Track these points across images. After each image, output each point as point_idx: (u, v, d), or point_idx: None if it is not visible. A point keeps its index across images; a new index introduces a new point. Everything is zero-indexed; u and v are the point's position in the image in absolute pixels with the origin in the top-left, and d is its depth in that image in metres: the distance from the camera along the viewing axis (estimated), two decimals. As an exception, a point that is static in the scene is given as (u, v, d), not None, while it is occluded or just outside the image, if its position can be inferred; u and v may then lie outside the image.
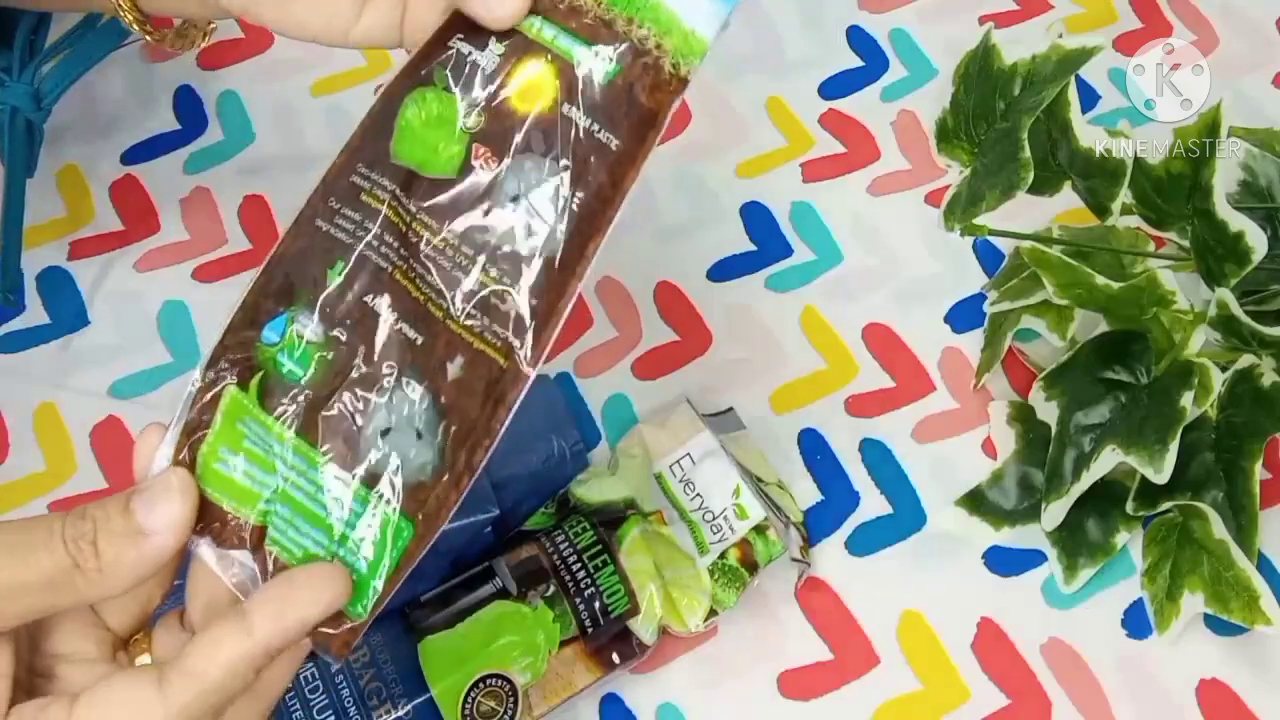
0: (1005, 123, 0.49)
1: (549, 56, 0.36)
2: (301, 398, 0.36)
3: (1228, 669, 0.50)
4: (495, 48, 0.37)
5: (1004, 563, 0.53)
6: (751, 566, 0.51)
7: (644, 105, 0.35)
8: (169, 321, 0.58)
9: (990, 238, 0.59)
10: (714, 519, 0.51)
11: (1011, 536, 0.53)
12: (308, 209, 0.37)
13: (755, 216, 0.62)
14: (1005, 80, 0.50)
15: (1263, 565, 0.52)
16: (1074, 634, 0.51)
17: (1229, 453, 0.49)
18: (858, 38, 0.68)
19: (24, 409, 0.55)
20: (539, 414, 0.52)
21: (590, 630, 0.48)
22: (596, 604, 0.48)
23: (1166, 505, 0.50)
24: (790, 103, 0.65)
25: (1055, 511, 0.50)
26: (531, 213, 0.36)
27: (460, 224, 0.36)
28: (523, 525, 0.51)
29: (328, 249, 0.37)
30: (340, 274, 0.37)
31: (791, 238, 0.61)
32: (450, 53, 0.37)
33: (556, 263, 0.35)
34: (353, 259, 0.37)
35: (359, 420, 0.36)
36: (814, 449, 0.55)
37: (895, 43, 0.67)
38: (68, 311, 0.58)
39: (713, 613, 0.50)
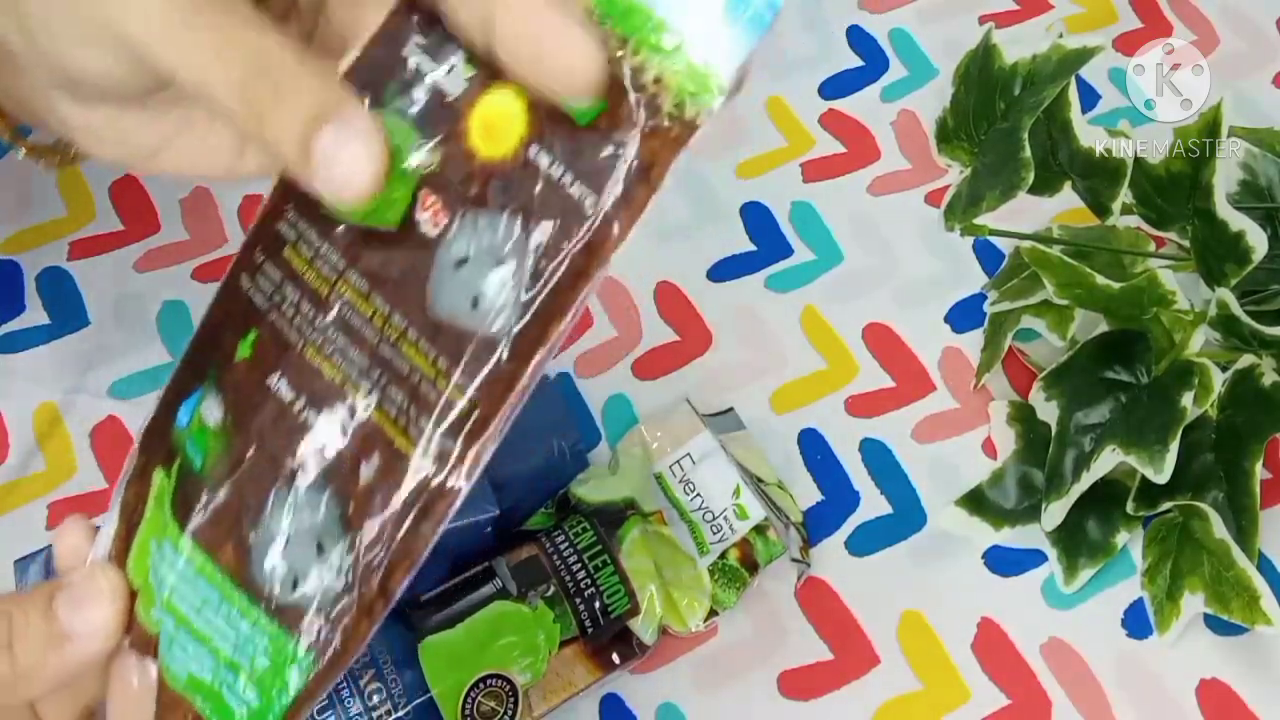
0: (1005, 123, 0.49)
1: (521, 85, 0.28)
2: (199, 492, 0.30)
3: (1228, 669, 0.50)
4: (462, 69, 0.29)
5: (1004, 563, 0.53)
6: (752, 567, 0.51)
7: (634, 154, 0.28)
8: (169, 321, 0.58)
9: (990, 238, 0.59)
10: (714, 519, 0.51)
11: (1011, 536, 0.53)
12: (236, 263, 0.31)
13: (755, 216, 0.62)
14: (1005, 80, 0.50)
15: (1263, 565, 0.52)
16: (1074, 634, 0.51)
17: (1229, 453, 0.49)
18: (858, 38, 0.67)
19: (24, 409, 0.55)
20: (539, 414, 0.52)
21: (590, 630, 0.48)
22: (596, 604, 0.48)
23: (1167, 505, 0.50)
24: (790, 103, 0.65)
25: (1055, 511, 0.50)
26: (480, 282, 0.28)
27: (395, 291, 0.29)
28: (523, 525, 0.51)
29: (244, 315, 0.31)
30: (250, 347, 0.30)
31: (791, 238, 0.61)
32: (405, 66, 0.29)
33: (507, 347, 0.28)
34: (265, 329, 0.30)
35: (252, 526, 0.30)
36: (814, 449, 0.55)
37: (895, 43, 0.67)
38: (68, 311, 0.58)
39: (713, 613, 0.50)
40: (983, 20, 0.67)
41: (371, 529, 0.29)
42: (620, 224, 0.28)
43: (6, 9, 0.32)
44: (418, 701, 0.46)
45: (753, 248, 0.61)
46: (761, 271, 0.60)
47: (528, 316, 0.28)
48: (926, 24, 0.68)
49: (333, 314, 0.30)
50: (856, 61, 0.67)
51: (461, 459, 0.28)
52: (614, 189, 0.28)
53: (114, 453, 0.54)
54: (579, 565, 0.48)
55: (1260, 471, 0.49)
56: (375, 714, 0.45)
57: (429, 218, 0.29)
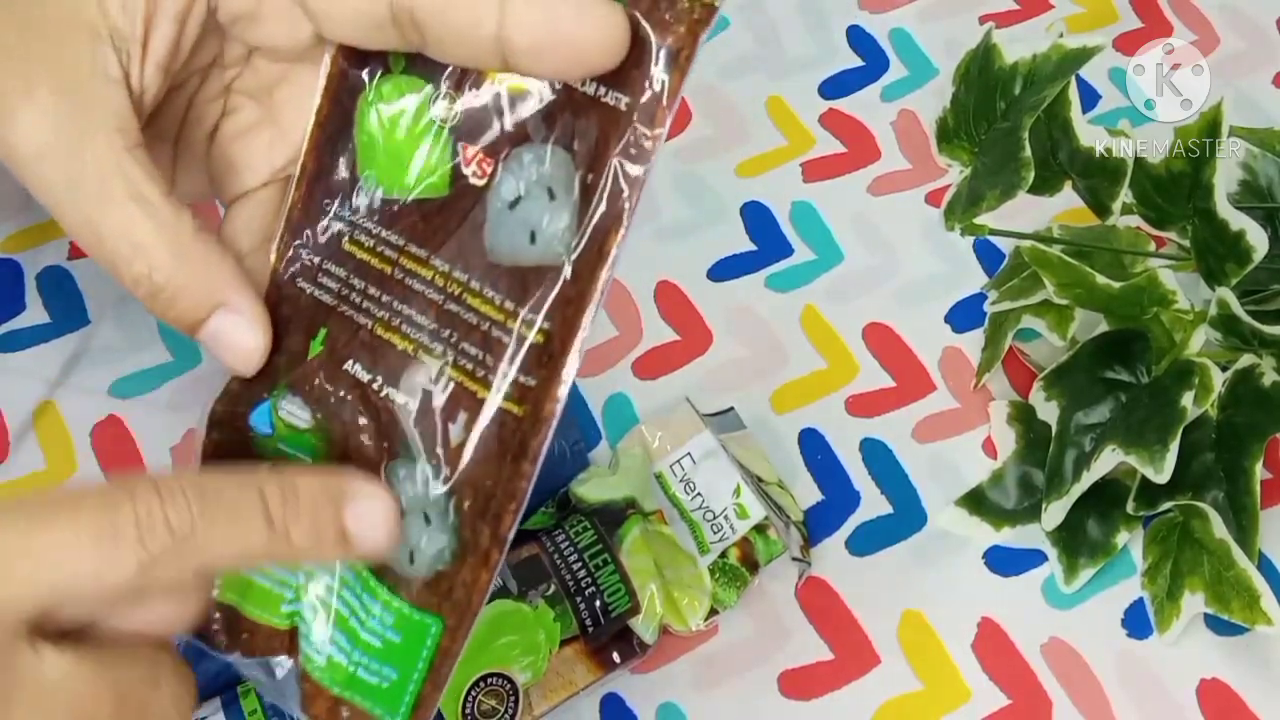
0: (1006, 122, 0.49)
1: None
2: None
3: (1228, 669, 0.50)
4: None
5: (1004, 562, 0.53)
6: (752, 566, 0.51)
7: (659, 44, 0.27)
8: (169, 321, 0.58)
9: (991, 237, 0.59)
10: (714, 518, 0.51)
11: (1012, 536, 0.53)
12: (283, 263, 0.31)
13: (755, 216, 0.62)
14: (1006, 80, 0.50)
15: (1263, 565, 0.52)
16: (1074, 634, 0.51)
17: (1230, 453, 0.49)
18: (858, 37, 0.67)
19: (24, 408, 0.55)
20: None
21: (591, 629, 0.48)
22: (597, 603, 0.48)
23: (1167, 505, 0.50)
24: (790, 102, 0.65)
25: (1055, 511, 0.50)
26: (535, 215, 0.28)
27: (453, 248, 0.29)
28: (523, 525, 0.51)
29: (311, 316, 0.31)
30: (322, 343, 0.31)
31: (792, 237, 0.61)
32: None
33: (570, 269, 0.28)
34: (335, 322, 0.31)
35: None
36: (814, 449, 0.55)
37: (895, 42, 0.67)
38: (68, 310, 0.58)
39: (713, 612, 0.50)
40: (983, 20, 0.67)
41: (471, 483, 0.29)
42: (658, 115, 0.27)
43: None
44: (418, 701, 0.46)
45: (753, 247, 0.61)
46: (761, 271, 0.60)
47: (586, 235, 0.28)
48: (926, 24, 0.68)
49: (396, 288, 0.30)
50: (856, 61, 0.67)
51: (546, 388, 0.28)
52: (647, 83, 0.27)
53: (114, 452, 0.54)
54: (579, 564, 0.48)
55: (1260, 471, 0.49)
56: (375, 713, 0.45)
57: (474, 169, 0.29)
